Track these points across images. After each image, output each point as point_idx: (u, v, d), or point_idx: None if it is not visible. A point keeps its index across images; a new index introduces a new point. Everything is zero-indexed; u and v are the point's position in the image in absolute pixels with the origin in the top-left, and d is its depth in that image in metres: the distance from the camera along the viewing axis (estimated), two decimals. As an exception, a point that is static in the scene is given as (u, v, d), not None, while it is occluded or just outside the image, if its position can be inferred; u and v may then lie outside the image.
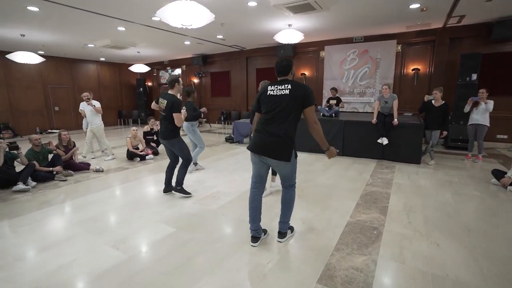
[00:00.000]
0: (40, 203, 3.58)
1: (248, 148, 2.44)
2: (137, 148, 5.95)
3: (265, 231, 2.62)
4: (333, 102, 6.70)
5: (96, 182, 4.43)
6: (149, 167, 5.35)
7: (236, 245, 2.51)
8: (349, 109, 8.16)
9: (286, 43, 6.89)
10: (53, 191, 4.02)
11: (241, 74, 10.16)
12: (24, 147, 4.52)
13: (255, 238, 2.49)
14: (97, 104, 5.63)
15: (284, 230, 2.56)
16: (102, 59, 11.08)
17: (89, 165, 5.08)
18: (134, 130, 5.92)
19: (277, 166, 2.34)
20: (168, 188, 3.78)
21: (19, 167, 4.29)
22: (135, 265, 2.24)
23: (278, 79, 2.38)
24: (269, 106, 2.31)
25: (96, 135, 5.79)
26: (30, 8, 5.03)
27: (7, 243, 2.63)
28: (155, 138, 6.43)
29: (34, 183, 4.20)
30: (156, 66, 12.49)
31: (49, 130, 10.13)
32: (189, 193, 3.67)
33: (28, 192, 3.97)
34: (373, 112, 5.64)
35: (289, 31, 6.33)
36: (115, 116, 12.33)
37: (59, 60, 10.27)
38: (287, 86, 2.26)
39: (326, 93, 8.13)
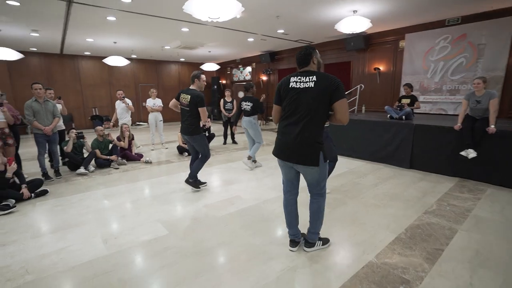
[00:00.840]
0: (86, 187, 4.04)
1: (273, 153, 2.22)
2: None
3: (303, 236, 2.41)
4: (405, 101, 5.45)
5: (140, 172, 4.77)
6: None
7: (211, 263, 2.16)
8: (433, 111, 6.53)
9: (350, 32, 5.96)
10: (103, 177, 4.51)
11: (308, 71, 9.50)
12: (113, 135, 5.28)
13: (293, 242, 2.34)
14: (129, 102, 6.14)
15: (312, 240, 2.31)
16: (182, 59, 12.22)
17: (141, 156, 5.55)
18: (208, 122, 6.19)
19: (304, 172, 2.10)
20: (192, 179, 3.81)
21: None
22: (107, 263, 2.18)
23: (299, 71, 2.07)
24: (291, 102, 2.02)
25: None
26: (109, 18, 5.80)
27: (37, 219, 3.01)
28: (207, 134, 6.59)
29: (93, 168, 4.82)
30: (230, 64, 13.00)
31: (137, 123, 11.81)
32: (200, 186, 3.78)
33: (86, 175, 4.58)
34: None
35: (354, 18, 5.43)
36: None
37: (147, 62, 11.84)
38: (312, 78, 1.96)
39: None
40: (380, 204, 3.26)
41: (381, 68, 7.50)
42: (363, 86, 7.24)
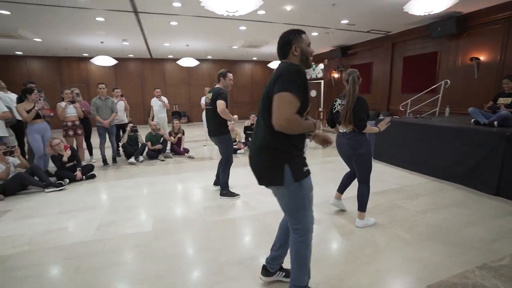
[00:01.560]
0: (128, 175, 4.53)
1: None
2: (235, 141, 6.23)
3: (285, 271, 1.88)
4: (504, 101, 3.97)
5: (180, 166, 5.06)
6: (235, 161, 5.45)
7: (159, 271, 2.01)
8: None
9: (425, 14, 4.71)
10: (146, 168, 4.97)
11: (385, 65, 8.16)
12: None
13: (264, 269, 1.86)
14: (166, 100, 6.24)
15: None
16: (254, 58, 12.45)
17: (187, 151, 5.88)
18: (231, 123, 6.22)
19: (275, 196, 1.59)
20: (218, 181, 3.70)
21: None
22: (83, 248, 2.34)
23: None
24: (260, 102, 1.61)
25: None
26: (172, 23, 6.35)
27: (70, 199, 3.51)
28: (255, 133, 6.48)
29: (142, 159, 5.39)
30: (302, 62, 12.50)
31: (212, 119, 12.73)
32: (236, 194, 3.50)
33: (134, 165, 5.15)
34: None
35: (429, -5, 4.28)
36: (263, 111, 13.63)
37: (221, 62, 12.56)
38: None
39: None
40: (414, 241, 2.42)
41: (481, 57, 5.71)
42: (448, 82, 5.69)
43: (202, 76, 12.48)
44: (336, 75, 10.35)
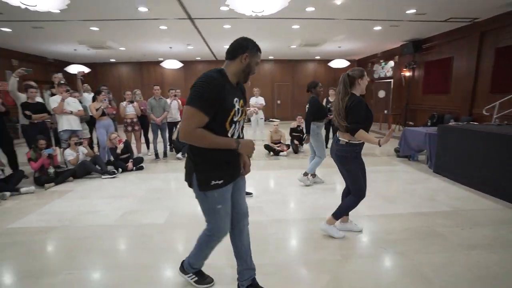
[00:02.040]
0: (170, 169, 4.97)
1: None
2: (279, 142, 6.14)
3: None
4: None
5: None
6: (274, 163, 5.41)
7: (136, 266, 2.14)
8: None
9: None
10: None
11: (469, 60, 6.73)
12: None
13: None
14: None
15: (185, 266, 1.87)
16: (317, 57, 11.96)
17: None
18: (275, 125, 6.14)
19: None
20: None
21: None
22: (100, 231, 2.68)
23: None
24: None
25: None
26: (225, 26, 6.64)
27: (116, 186, 4.04)
28: (301, 135, 6.24)
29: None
30: (371, 59, 11.41)
31: (271, 119, 12.81)
32: (249, 193, 3.40)
33: (180, 159, 5.59)
34: None
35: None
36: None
37: (284, 62, 12.47)
38: None
39: None
40: (439, 285, 1.93)
41: None
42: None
43: (264, 76, 12.66)
44: (407, 74, 9.10)
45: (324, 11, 5.58)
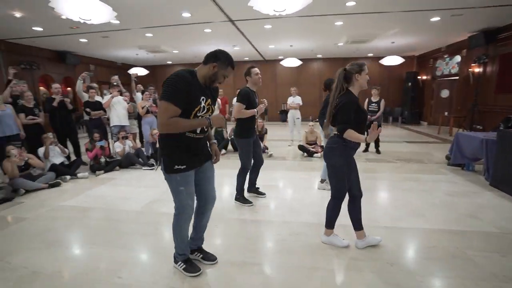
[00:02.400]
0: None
1: None
2: (315, 143, 5.97)
3: (202, 253, 2.18)
4: None
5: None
6: (305, 164, 5.30)
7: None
8: None
9: None
10: (223, 160, 5.53)
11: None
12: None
13: None
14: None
15: (175, 256, 2.06)
16: (370, 54, 11.15)
17: (267, 148, 6.11)
18: (311, 125, 5.98)
19: None
20: (250, 189, 3.58)
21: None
22: (126, 216, 3.01)
23: None
24: None
25: None
26: (266, 26, 6.71)
27: (152, 177, 4.45)
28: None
29: (224, 152, 6.06)
30: (434, 54, 10.18)
31: (317, 120, 12.44)
32: (249, 202, 3.29)
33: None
34: None
35: None
36: (377, 112, 12.06)
37: (333, 60, 11.95)
38: None
39: None
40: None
41: None
42: None
43: (312, 75, 12.37)
44: (477, 70, 7.87)
45: (367, 5, 5.22)
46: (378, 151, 5.98)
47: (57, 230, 2.73)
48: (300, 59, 11.36)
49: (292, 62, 9.21)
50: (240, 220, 2.94)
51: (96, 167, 4.61)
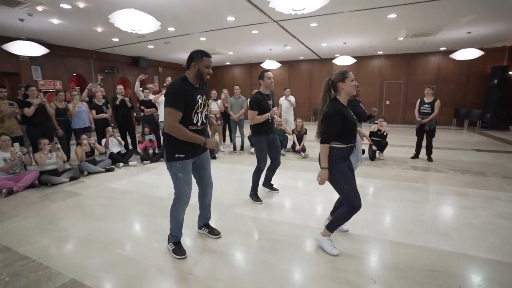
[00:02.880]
0: (239, 161, 5.52)
1: None
2: (355, 147, 5.64)
3: (209, 228, 2.61)
4: None
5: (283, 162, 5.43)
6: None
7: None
8: None
9: None
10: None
11: None
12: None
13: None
14: (292, 99, 6.50)
15: (168, 236, 2.36)
16: (442, 48, 9.72)
17: (304, 150, 6.02)
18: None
19: None
20: (265, 184, 3.72)
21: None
22: (154, 202, 3.45)
23: None
24: None
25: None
26: (312, 24, 6.58)
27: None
28: (381, 141, 5.50)
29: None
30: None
31: (376, 121, 11.49)
32: (259, 201, 3.37)
33: (254, 154, 6.07)
34: None
35: None
36: (450, 114, 10.46)
37: (396, 57, 10.79)
38: None
39: None
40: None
41: None
42: None
43: (371, 74, 11.48)
44: None
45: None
46: (430, 159, 5.28)
47: (97, 206, 3.34)
48: (358, 57, 10.71)
49: (345, 60, 8.73)
50: (242, 215, 3.05)
51: (144, 157, 5.32)
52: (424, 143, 5.35)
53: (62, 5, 4.87)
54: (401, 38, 7.98)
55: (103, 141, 5.18)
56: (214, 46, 8.92)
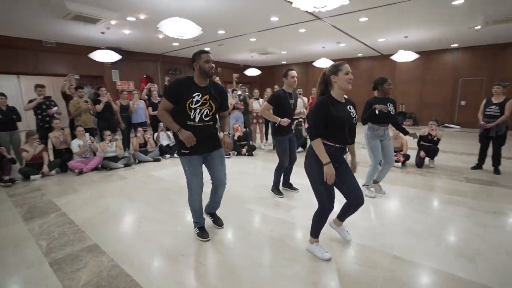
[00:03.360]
0: (272, 160, 5.63)
1: None
2: (399, 151, 5.15)
3: (213, 217, 2.81)
4: None
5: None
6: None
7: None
8: None
9: None
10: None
11: None
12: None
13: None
14: None
15: (193, 221, 2.62)
16: (543, 37, 7.88)
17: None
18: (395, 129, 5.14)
19: None
20: (284, 184, 3.75)
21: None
22: (182, 190, 3.87)
23: None
24: None
25: None
26: (361, 19, 6.18)
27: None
28: (431, 147, 4.87)
29: (301, 149, 6.18)
30: None
31: (446, 124, 10.04)
32: (281, 194, 3.54)
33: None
34: None
35: None
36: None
37: (476, 50, 9.16)
38: None
39: None
40: None
41: None
42: None
43: (443, 70, 10.07)
44: None
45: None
46: (496, 171, 4.43)
47: (135, 189, 3.91)
48: (425, 52, 9.59)
49: (405, 56, 7.86)
50: (251, 210, 3.16)
51: (188, 150, 5.88)
52: (490, 151, 4.53)
53: (128, 18, 5.75)
54: (478, 27, 6.82)
55: (155, 134, 5.92)
56: (265, 46, 9.13)
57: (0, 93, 4.78)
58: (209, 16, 5.71)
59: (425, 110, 10.54)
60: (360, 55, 11.24)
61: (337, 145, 2.00)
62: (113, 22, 5.92)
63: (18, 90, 9.73)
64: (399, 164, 4.83)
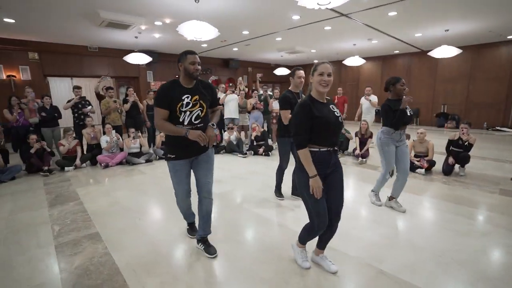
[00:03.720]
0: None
1: None
2: (424, 156, 4.73)
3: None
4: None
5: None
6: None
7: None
8: None
9: None
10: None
11: None
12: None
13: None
14: (373, 99, 5.71)
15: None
16: None
17: (364, 156, 5.44)
18: (421, 132, 4.71)
19: None
20: (293, 192, 3.58)
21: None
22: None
23: None
24: None
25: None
26: (390, 14, 5.77)
27: (241, 163, 5.33)
28: (462, 152, 4.37)
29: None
30: None
31: (498, 127, 8.89)
32: (281, 197, 3.48)
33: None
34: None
35: None
36: None
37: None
38: None
39: None
40: None
41: None
42: None
43: (494, 66, 8.93)
44: None
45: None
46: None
47: (148, 184, 4.16)
48: (470, 46, 8.65)
49: (444, 52, 7.13)
50: (248, 211, 3.17)
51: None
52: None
53: (156, 23, 6.12)
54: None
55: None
56: (292, 45, 9.00)
57: (45, 94, 5.45)
58: (231, 18, 5.83)
59: (473, 111, 9.46)
60: (396, 52, 10.49)
61: (322, 149, 1.84)
62: (143, 27, 6.35)
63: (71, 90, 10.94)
64: (422, 170, 4.43)
